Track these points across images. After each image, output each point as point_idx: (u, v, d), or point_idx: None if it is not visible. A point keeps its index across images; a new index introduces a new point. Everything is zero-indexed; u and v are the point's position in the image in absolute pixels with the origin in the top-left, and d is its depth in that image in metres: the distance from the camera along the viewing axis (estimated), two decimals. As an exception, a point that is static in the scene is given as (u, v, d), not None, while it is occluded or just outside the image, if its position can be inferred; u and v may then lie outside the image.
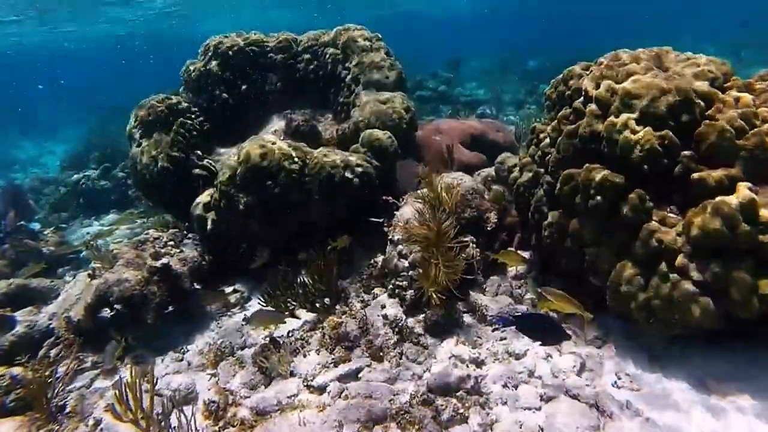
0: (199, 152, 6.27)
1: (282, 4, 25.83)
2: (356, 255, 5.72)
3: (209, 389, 4.20)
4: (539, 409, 3.65)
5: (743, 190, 3.52)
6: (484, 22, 44.53)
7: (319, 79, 7.27)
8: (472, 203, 5.04)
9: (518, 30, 35.90)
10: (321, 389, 3.97)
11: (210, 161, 6.21)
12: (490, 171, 6.17)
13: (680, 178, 3.85)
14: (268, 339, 4.60)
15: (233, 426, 3.57)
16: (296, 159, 5.33)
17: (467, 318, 4.65)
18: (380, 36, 7.07)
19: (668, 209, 3.90)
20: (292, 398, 3.85)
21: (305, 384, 4.02)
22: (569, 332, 3.94)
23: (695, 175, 3.78)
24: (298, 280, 5.08)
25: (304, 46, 7.36)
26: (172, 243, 5.51)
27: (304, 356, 4.35)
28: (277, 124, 6.91)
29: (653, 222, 3.82)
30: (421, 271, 4.53)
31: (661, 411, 3.51)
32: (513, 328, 4.03)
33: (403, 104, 6.07)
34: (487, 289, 4.95)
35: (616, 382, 3.80)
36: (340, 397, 3.83)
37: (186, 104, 6.63)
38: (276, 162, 5.23)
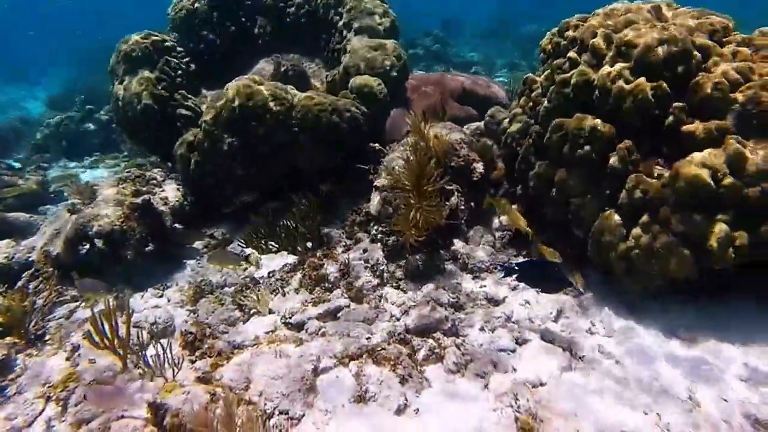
0: (184, 92, 6.08)
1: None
2: (342, 202, 5.68)
3: (187, 323, 4.20)
4: (513, 351, 3.70)
5: (732, 142, 3.49)
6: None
7: (310, 24, 7.05)
8: (460, 153, 4.97)
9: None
10: (299, 326, 3.99)
11: (195, 102, 6.04)
12: (480, 124, 6.08)
13: (671, 129, 3.81)
14: (248, 279, 4.60)
15: (210, 356, 3.58)
16: (283, 101, 5.19)
17: (449, 265, 4.65)
18: (376, -19, 6.83)
19: (656, 161, 3.87)
20: (270, 334, 3.87)
21: (283, 321, 4.03)
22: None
23: (685, 127, 3.74)
24: (281, 223, 5.04)
25: (297, -11, 7.10)
26: (154, 182, 5.41)
27: (283, 296, 4.35)
28: (266, 68, 6.71)
29: (639, 173, 3.79)
30: (402, 216, 4.49)
31: (631, 355, 3.57)
32: (514, 276, 4.04)
33: (395, 51, 5.90)
34: (470, 238, 4.94)
35: (590, 329, 3.86)
36: (317, 334, 3.85)
37: (172, 43, 6.39)
38: (262, 103, 5.10)
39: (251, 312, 4.23)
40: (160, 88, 5.85)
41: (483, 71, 13.29)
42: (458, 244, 4.80)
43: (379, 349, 3.49)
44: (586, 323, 3.92)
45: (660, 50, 3.84)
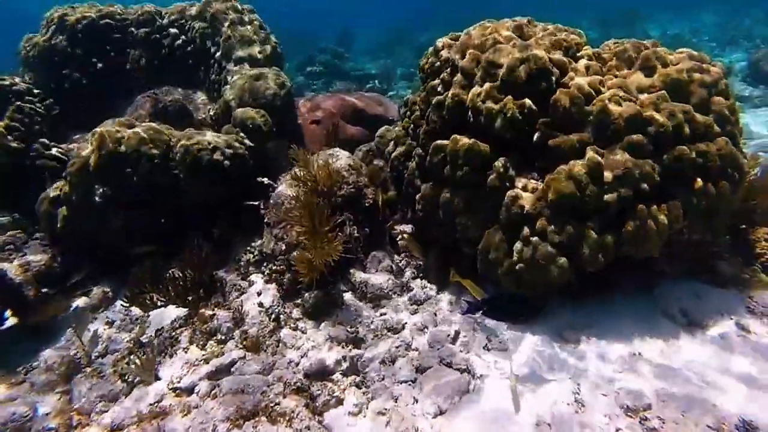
0: (45, 140, 5.51)
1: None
2: (236, 241, 5.40)
3: (49, 415, 3.69)
4: (414, 381, 3.66)
5: (591, 153, 3.71)
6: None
7: (188, 55, 6.70)
8: (349, 180, 4.91)
9: (410, 2, 35.91)
10: (189, 390, 3.69)
11: (60, 150, 5.50)
12: (372, 145, 6.08)
13: (540, 143, 3.98)
14: (133, 341, 4.21)
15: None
16: (158, 143, 4.85)
17: (348, 296, 4.55)
18: (252, 8, 6.63)
19: (531, 175, 4.03)
20: (154, 405, 3.53)
21: (171, 387, 3.70)
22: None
23: (551, 141, 3.93)
24: (168, 274, 4.68)
25: (170, 20, 6.72)
26: (10, 247, 4.81)
27: (171, 357, 4.02)
28: (144, 105, 6.28)
29: (516, 189, 3.93)
30: (296, 254, 4.35)
31: (523, 365, 3.66)
32: (479, 313, 4.03)
33: (277, 80, 5.75)
34: (368, 266, 4.87)
35: (486, 345, 3.92)
36: (209, 396, 3.57)
37: (25, 86, 5.78)
38: (134, 147, 4.73)
39: (136, 382, 3.85)
40: (11, 138, 5.25)
41: (382, 84, 13.46)
42: (356, 274, 4.71)
43: (273, 405, 3.30)
44: (483, 340, 3.98)
45: (522, 69, 4.01)
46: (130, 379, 3.86)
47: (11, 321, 4.62)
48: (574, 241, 3.67)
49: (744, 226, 4.52)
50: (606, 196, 3.61)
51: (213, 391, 3.58)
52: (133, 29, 6.59)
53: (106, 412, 3.57)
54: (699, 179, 3.74)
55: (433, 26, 21.76)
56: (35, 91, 5.81)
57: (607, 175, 3.63)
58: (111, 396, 3.76)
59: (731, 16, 20.11)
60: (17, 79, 5.82)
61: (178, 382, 3.72)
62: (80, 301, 4.82)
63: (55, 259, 4.92)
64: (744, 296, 4.08)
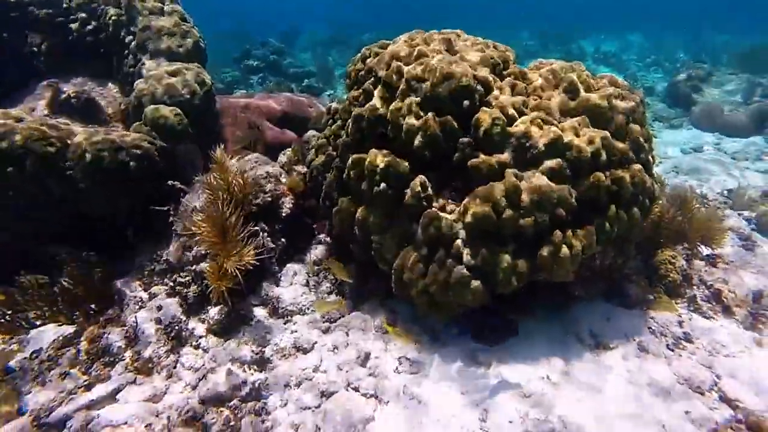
0: None
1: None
2: (144, 248, 4.97)
3: None
4: (318, 407, 3.46)
5: (509, 176, 3.65)
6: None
7: (99, 43, 6.12)
8: (266, 188, 4.63)
9: (356, 3, 35.74)
10: (60, 425, 3.28)
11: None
12: (297, 149, 5.79)
13: (460, 163, 3.89)
14: None
15: None
16: (51, 140, 4.35)
17: (258, 311, 4.29)
18: (175, -4, 6.18)
19: (448, 196, 3.93)
20: (11, 445, 3.12)
21: (36, 423, 3.28)
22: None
23: (471, 162, 3.83)
24: (56, 287, 4.20)
25: (79, 2, 6.11)
26: None
27: (44, 384, 3.59)
28: (44, 95, 5.68)
29: (433, 209, 3.81)
30: (207, 264, 4.04)
31: (434, 389, 3.56)
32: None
33: (198, 77, 5.35)
34: (282, 279, 4.62)
35: (397, 368, 3.78)
36: (83, 430, 3.20)
37: None
38: (21, 143, 4.21)
39: (-2, 413, 3.40)
40: None
41: (319, 82, 13.15)
42: (268, 287, 4.45)
43: (156, 439, 2.99)
44: (394, 362, 3.83)
45: (446, 85, 3.90)
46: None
47: None
48: (488, 264, 3.60)
49: (651, 249, 4.67)
50: (522, 221, 3.56)
51: (89, 425, 3.21)
52: (33, 8, 5.94)
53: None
54: (613, 206, 3.77)
55: (377, 27, 21.66)
56: None
57: (525, 198, 3.58)
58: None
59: (657, 39, 21.38)
60: None
61: (47, 416, 3.30)
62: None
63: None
64: (647, 317, 4.20)
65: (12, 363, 3.74)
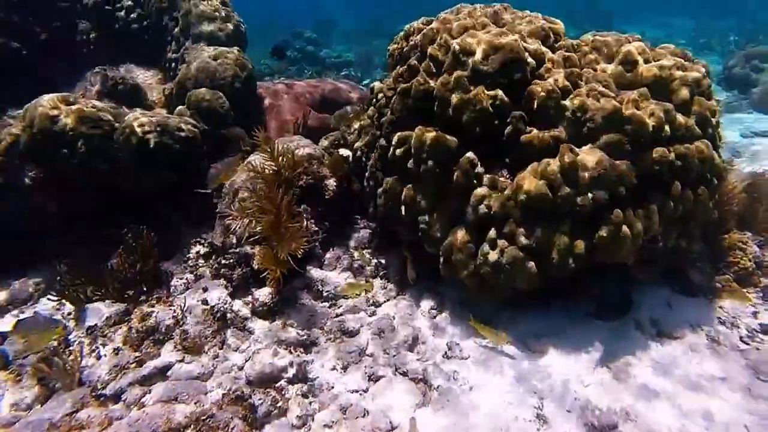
0: (-27, 114, 5.02)
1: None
2: (187, 230, 5.01)
3: None
4: (366, 390, 3.38)
5: (565, 151, 3.44)
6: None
7: (144, 30, 6.20)
8: (309, 170, 4.57)
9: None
10: (115, 397, 3.32)
11: (-9, 124, 4.99)
12: (338, 134, 5.72)
13: (511, 139, 3.70)
14: (60, 339, 3.80)
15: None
16: (100, 123, 4.42)
17: (303, 295, 4.23)
18: (216, -18, 6.17)
19: (499, 173, 3.75)
20: (71, 416, 3.14)
21: (94, 394, 3.33)
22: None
23: (524, 137, 3.65)
24: (107, 265, 4.27)
25: (125, -10, 6.21)
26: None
27: (99, 358, 3.64)
28: (93, 82, 5.79)
29: (484, 187, 3.65)
30: (259, 250, 4.01)
31: (485, 375, 3.42)
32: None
33: (237, 61, 5.33)
34: (326, 263, 4.55)
35: (446, 353, 3.65)
36: (136, 405, 3.22)
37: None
38: (72, 126, 4.29)
39: (56, 387, 3.46)
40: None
41: (357, 72, 13.05)
42: (313, 271, 4.39)
43: (204, 417, 2.96)
44: (443, 346, 3.70)
45: (495, 58, 3.72)
46: (50, 384, 3.46)
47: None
48: (543, 245, 3.42)
49: (717, 233, 4.35)
50: (579, 199, 3.35)
51: (142, 399, 3.23)
52: (83, -2, 6.08)
53: (14, 424, 3.17)
54: (677, 183, 3.52)
55: (409, 15, 21.33)
56: (-32, 60, 5.30)
57: (582, 175, 3.37)
58: (24, 404, 3.37)
59: (707, 22, 20.27)
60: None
61: (103, 387, 3.35)
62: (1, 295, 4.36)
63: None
64: (714, 306, 3.92)
65: (71, 336, 3.82)
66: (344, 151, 5.39)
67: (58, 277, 4.10)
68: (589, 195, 3.35)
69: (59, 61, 5.99)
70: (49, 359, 3.55)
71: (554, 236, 3.41)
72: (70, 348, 3.72)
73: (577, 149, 3.50)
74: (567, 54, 4.01)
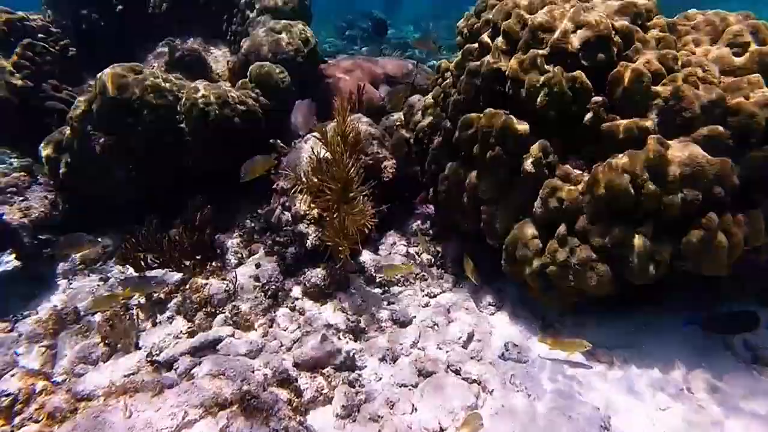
0: (55, 82, 5.20)
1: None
2: (243, 205, 5.02)
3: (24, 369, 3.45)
4: (416, 386, 3.23)
5: (654, 144, 3.06)
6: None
7: (212, 2, 6.22)
8: (368, 150, 4.41)
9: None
10: (168, 365, 3.37)
11: (70, 93, 5.19)
12: (400, 115, 5.50)
13: (590, 127, 3.35)
14: (120, 303, 3.92)
15: (36, 422, 2.90)
16: (165, 92, 4.45)
17: (356, 278, 4.13)
18: (283, -46, 6.05)
19: (575, 163, 3.42)
20: (129, 377, 3.22)
21: (149, 359, 3.39)
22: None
23: (605, 125, 3.29)
24: (165, 235, 4.34)
25: (195, -38, 6.24)
26: (12, 190, 4.57)
27: (155, 325, 3.71)
28: (161, 53, 5.89)
29: (556, 178, 3.34)
30: (328, 223, 3.90)
31: (544, 383, 3.16)
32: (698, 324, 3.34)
33: (301, 35, 5.22)
34: (380, 247, 4.42)
35: (503, 354, 3.42)
36: (186, 375, 3.24)
37: (42, 23, 5.46)
38: (139, 95, 4.35)
39: (117, 347, 3.58)
40: (19, 76, 4.96)
41: (423, 53, 12.65)
42: (366, 255, 4.27)
43: (249, 398, 2.92)
44: (499, 346, 3.48)
45: (578, 35, 3.36)
46: (111, 344, 3.58)
47: (13, 263, 4.44)
48: (620, 247, 3.08)
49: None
50: (667, 198, 2.98)
51: (193, 370, 3.25)
52: (154, -29, 6.16)
53: (83, 375, 3.31)
54: (792, 188, 3.06)
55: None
56: (52, 29, 5.50)
57: (672, 171, 2.99)
58: (90, 359, 3.51)
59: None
60: (34, 16, 5.50)
61: (158, 354, 3.41)
62: (78, 254, 4.56)
63: (56, 207, 4.67)
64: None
65: (131, 301, 3.95)
66: (405, 133, 5.18)
67: (123, 243, 4.21)
68: (679, 195, 2.97)
69: (133, 31, 6.13)
70: (110, 321, 3.65)
71: (634, 238, 3.06)
72: (130, 311, 3.81)
73: (667, 142, 3.11)
74: (661, 34, 3.56)
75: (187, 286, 3.93)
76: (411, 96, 5.36)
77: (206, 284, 3.89)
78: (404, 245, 4.40)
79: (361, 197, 3.81)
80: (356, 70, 6.04)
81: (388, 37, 14.10)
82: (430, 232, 4.57)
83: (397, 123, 5.47)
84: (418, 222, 4.63)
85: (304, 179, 3.93)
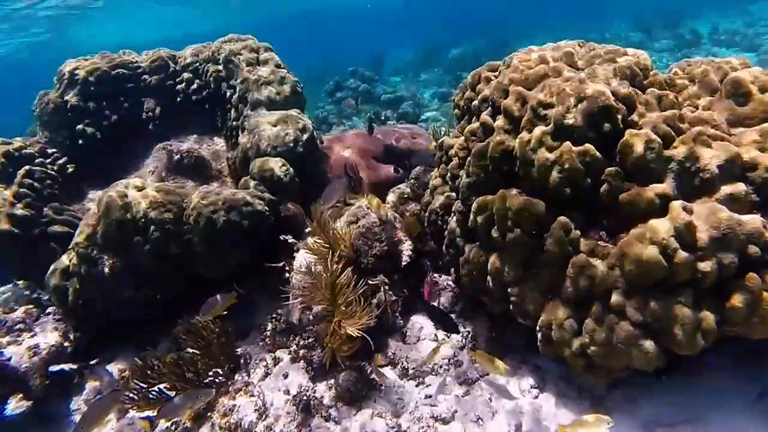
0: (56, 204, 5.18)
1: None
2: (260, 305, 4.91)
3: None
4: (471, 496, 3.02)
5: (677, 210, 2.99)
6: (407, 11, 44.06)
7: (204, 100, 6.30)
8: (381, 236, 4.34)
9: (441, 16, 35.60)
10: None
11: (72, 214, 5.16)
12: (405, 188, 5.48)
13: (608, 198, 3.28)
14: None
15: None
16: (170, 206, 4.42)
17: (388, 373, 3.97)
18: (269, 45, 6.18)
19: (597, 236, 3.34)
20: None
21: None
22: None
23: (623, 196, 3.22)
24: (175, 355, 4.18)
25: (184, 64, 6.35)
26: (21, 326, 4.46)
27: (186, 462, 3.52)
28: (160, 158, 5.91)
29: (582, 255, 3.25)
30: (323, 328, 3.82)
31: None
32: None
33: (298, 123, 5.25)
34: (408, 334, 4.27)
35: (558, 451, 3.23)
36: None
37: (38, 146, 5.49)
38: (143, 213, 4.31)
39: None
40: (21, 206, 4.94)
41: (413, 107, 12.89)
42: (394, 345, 4.13)
43: None
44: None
45: (580, 109, 3.35)
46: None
47: (22, 406, 4.26)
48: (660, 320, 2.96)
49: None
50: (701, 265, 2.88)
51: None
52: (146, 77, 6.26)
53: None
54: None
55: (461, 41, 21.02)
56: (49, 150, 5.55)
57: (702, 236, 2.91)
58: None
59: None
60: (28, 141, 5.55)
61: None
62: (90, 386, 4.39)
63: (67, 337, 4.54)
64: None
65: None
66: (414, 206, 5.13)
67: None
68: (714, 260, 2.88)
69: (129, 138, 6.18)
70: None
71: (673, 310, 2.94)
72: (157, 449, 3.62)
73: (690, 206, 3.04)
74: (661, 92, 3.57)
75: (214, 412, 3.75)
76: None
77: (234, 405, 3.72)
78: (433, 327, 4.26)
79: (357, 298, 3.72)
80: (356, 144, 6.05)
81: (377, 95, 14.44)
82: (456, 308, 4.45)
83: (404, 196, 5.44)
84: (443, 299, 4.50)
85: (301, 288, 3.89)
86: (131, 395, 3.85)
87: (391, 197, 5.45)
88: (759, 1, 20.50)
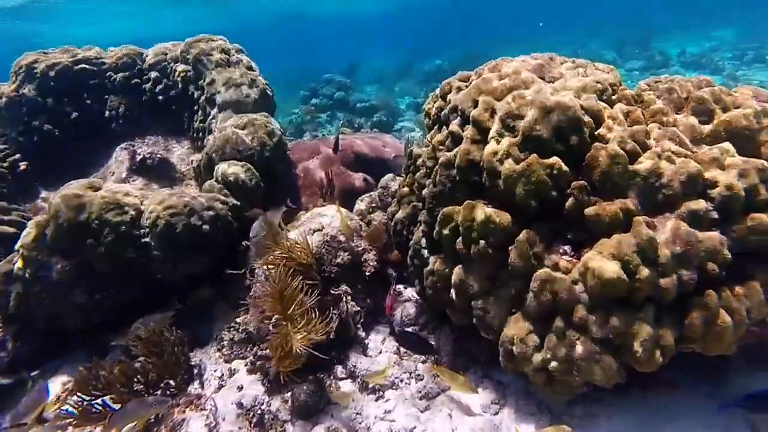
0: (3, 203, 4.91)
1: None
2: (219, 312, 4.72)
3: None
4: None
5: (640, 226, 2.98)
6: (388, 20, 44.45)
7: (170, 100, 6.10)
8: (346, 245, 4.23)
9: (422, 27, 35.97)
10: None
11: (22, 214, 4.89)
12: (374, 196, 5.39)
13: (574, 212, 3.26)
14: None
15: None
16: (126, 208, 4.22)
17: (347, 386, 3.85)
18: (241, 47, 6.04)
19: (562, 250, 3.30)
20: None
21: None
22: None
23: (588, 210, 3.19)
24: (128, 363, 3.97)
25: (151, 63, 6.15)
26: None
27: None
28: (122, 159, 5.68)
29: (545, 269, 3.20)
30: (270, 340, 3.66)
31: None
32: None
33: (266, 128, 5.11)
34: (369, 345, 4.16)
35: (517, 468, 3.16)
36: None
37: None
38: (97, 215, 4.10)
39: None
40: (-36, 205, 4.67)
41: (387, 116, 12.86)
42: (354, 357, 4.00)
43: None
44: (512, 456, 3.22)
45: (548, 120, 3.32)
46: None
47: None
48: (622, 336, 2.92)
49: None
50: (662, 281, 2.87)
51: None
52: (111, 74, 6.04)
53: None
54: (783, 255, 2.99)
55: (438, 53, 21.20)
56: (0, 146, 5.26)
57: (663, 252, 2.89)
58: None
59: (751, 31, 19.31)
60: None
61: None
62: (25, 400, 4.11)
63: (4, 347, 4.26)
64: None
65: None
66: (381, 216, 5.05)
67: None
68: (674, 276, 2.87)
69: (90, 137, 5.93)
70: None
71: (635, 326, 2.91)
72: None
73: (653, 221, 3.04)
74: (628, 108, 3.58)
75: (162, 426, 3.55)
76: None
77: (184, 419, 3.53)
78: (395, 341, 4.15)
79: (313, 308, 3.59)
80: (325, 153, 5.94)
81: (353, 103, 14.35)
82: (420, 320, 4.35)
83: (372, 205, 5.35)
84: (406, 310, 4.39)
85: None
86: (72, 408, 3.61)
87: (359, 205, 5.36)
88: (722, 28, 21.37)
